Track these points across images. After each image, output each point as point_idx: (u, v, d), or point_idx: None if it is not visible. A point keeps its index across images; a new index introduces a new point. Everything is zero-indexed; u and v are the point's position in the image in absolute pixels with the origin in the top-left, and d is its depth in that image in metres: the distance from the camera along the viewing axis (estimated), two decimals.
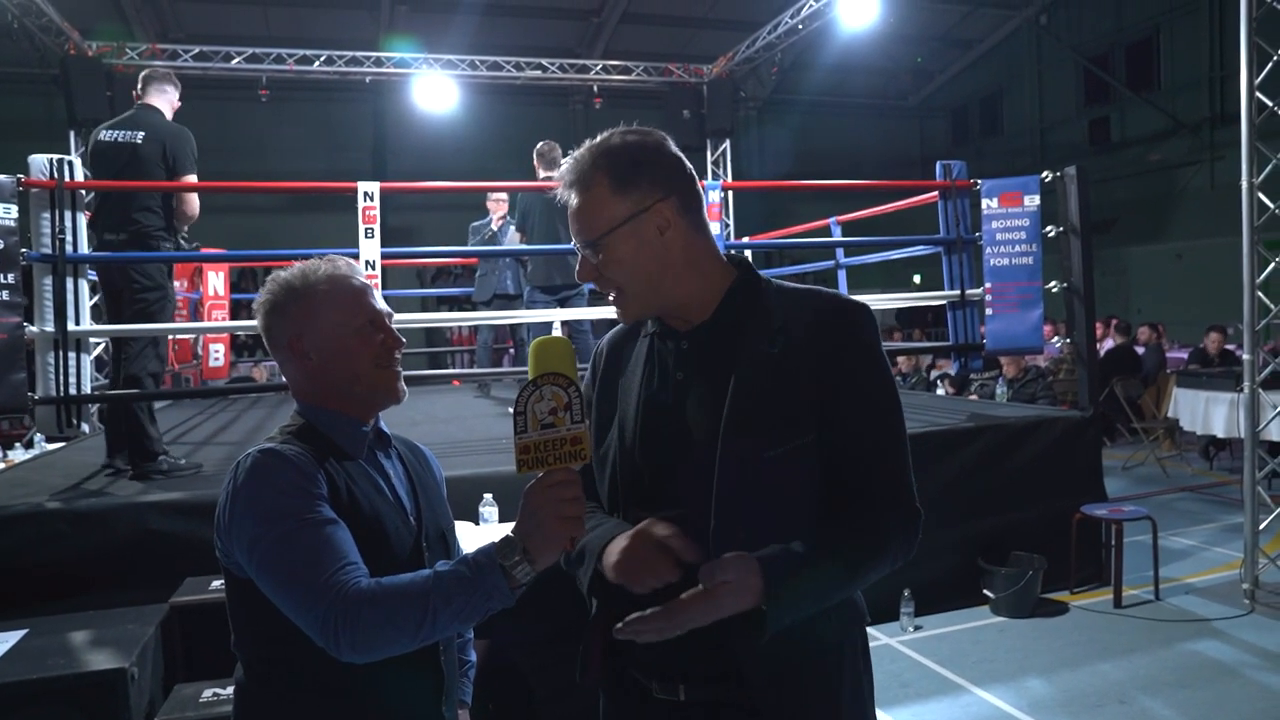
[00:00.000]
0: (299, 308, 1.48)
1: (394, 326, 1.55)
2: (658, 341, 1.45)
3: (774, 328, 1.35)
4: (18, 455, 5.89)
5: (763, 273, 1.48)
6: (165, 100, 4.43)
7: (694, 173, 1.41)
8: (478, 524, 3.62)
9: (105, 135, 4.29)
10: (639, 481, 1.40)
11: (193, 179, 4.33)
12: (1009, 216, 5.31)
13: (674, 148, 1.40)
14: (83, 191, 4.21)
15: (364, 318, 1.49)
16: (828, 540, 1.29)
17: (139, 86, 4.44)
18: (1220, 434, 7.55)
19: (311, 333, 1.47)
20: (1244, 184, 4.74)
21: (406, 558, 1.44)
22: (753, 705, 1.30)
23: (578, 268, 1.41)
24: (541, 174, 5.99)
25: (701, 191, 1.42)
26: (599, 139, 1.38)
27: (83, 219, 4.21)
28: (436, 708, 1.49)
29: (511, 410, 1.24)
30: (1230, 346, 9.55)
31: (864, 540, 1.31)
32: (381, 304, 1.53)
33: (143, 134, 4.26)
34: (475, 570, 1.25)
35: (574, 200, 1.37)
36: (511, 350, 8.36)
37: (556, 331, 5.96)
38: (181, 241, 4.46)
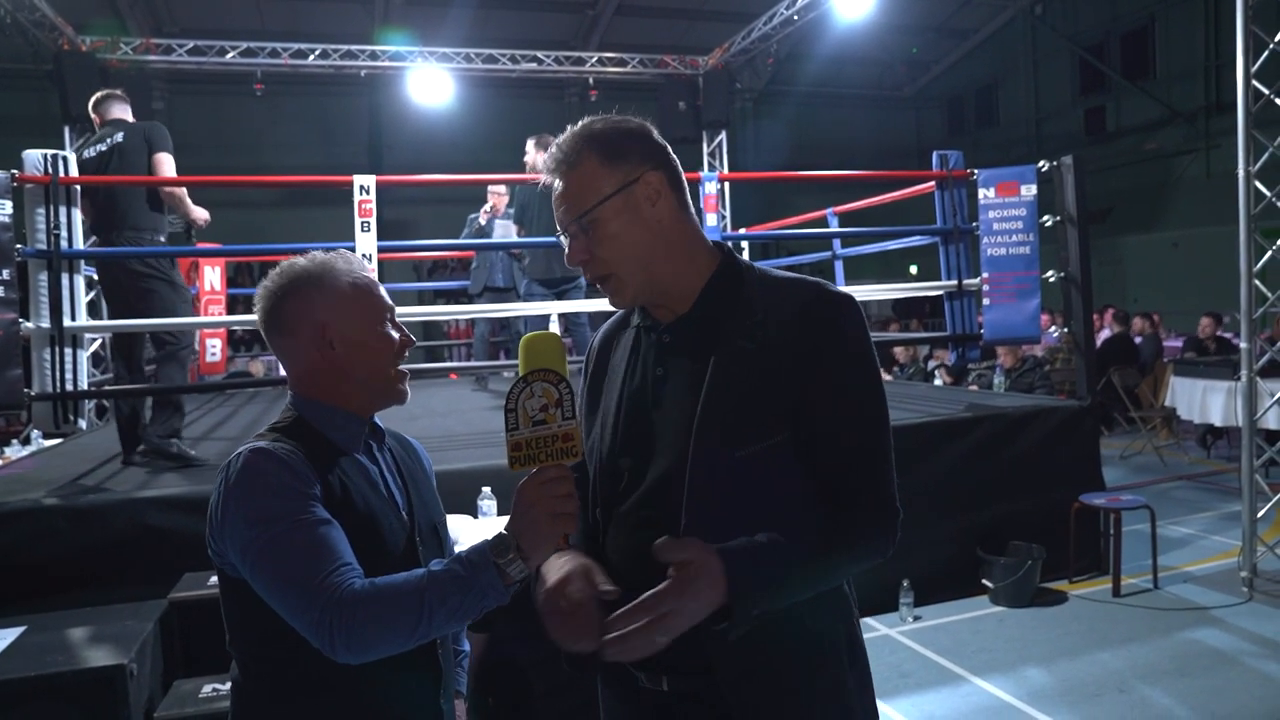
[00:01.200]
0: (323, 295, 1.46)
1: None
2: (642, 334, 1.44)
3: (753, 321, 1.33)
4: (14, 452, 5.88)
5: (757, 264, 1.46)
6: (126, 113, 4.58)
7: (677, 158, 1.41)
8: (476, 517, 3.62)
9: (87, 153, 4.44)
10: (618, 479, 1.39)
11: (168, 157, 4.39)
12: (1006, 206, 5.31)
13: (657, 133, 1.40)
14: (77, 187, 4.21)
15: (384, 314, 1.50)
16: (793, 534, 1.26)
17: (97, 110, 4.56)
18: (1218, 422, 7.55)
19: (340, 323, 1.45)
20: (1240, 172, 4.73)
21: (400, 553, 1.43)
22: (726, 699, 1.30)
23: (567, 252, 1.39)
24: (540, 164, 5.96)
25: (684, 178, 1.41)
26: (581, 125, 1.38)
27: (77, 214, 4.21)
28: (435, 700, 1.49)
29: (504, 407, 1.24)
30: (1227, 334, 9.55)
31: (832, 539, 1.29)
32: (388, 298, 1.54)
33: (122, 134, 4.40)
34: (469, 569, 1.25)
35: (560, 181, 1.36)
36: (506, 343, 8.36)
37: (554, 325, 5.96)
38: (170, 226, 4.54)
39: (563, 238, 1.39)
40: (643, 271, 1.36)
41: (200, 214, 4.55)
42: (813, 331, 1.31)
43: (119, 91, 4.69)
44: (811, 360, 1.29)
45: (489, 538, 1.28)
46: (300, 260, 1.49)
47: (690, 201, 1.41)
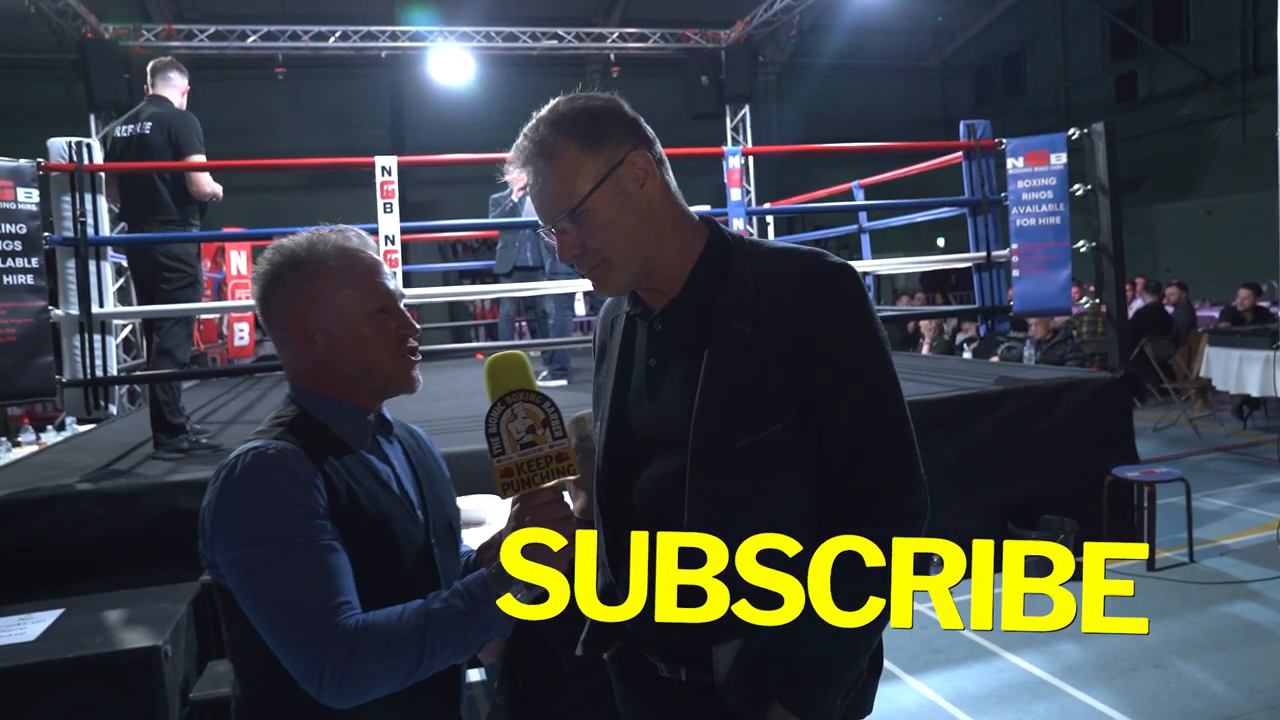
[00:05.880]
0: (305, 282, 1.31)
1: (407, 306, 1.40)
2: (633, 323, 1.40)
3: (745, 303, 1.27)
4: (50, 438, 5.97)
5: (756, 237, 1.42)
6: (172, 88, 4.45)
7: (651, 130, 1.33)
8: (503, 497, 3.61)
9: (119, 131, 4.36)
10: (618, 473, 1.37)
11: (199, 159, 4.31)
12: (1035, 176, 5.20)
13: (628, 106, 1.33)
14: (102, 175, 4.22)
15: (377, 302, 1.33)
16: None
17: (148, 79, 4.46)
18: (1254, 393, 7.43)
19: (319, 313, 1.31)
20: (1279, 136, 4.61)
21: (415, 555, 1.34)
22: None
23: (558, 249, 1.32)
24: None
25: (663, 152, 1.34)
26: (545, 110, 1.29)
27: (103, 201, 4.22)
28: (455, 715, 1.41)
29: (485, 432, 1.22)
30: (1264, 304, 9.37)
31: (860, 576, 1.25)
32: (392, 283, 1.37)
33: (150, 124, 4.31)
34: (471, 602, 1.21)
35: (539, 175, 1.28)
36: (524, 323, 8.38)
37: (580, 303, 5.94)
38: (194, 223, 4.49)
39: (548, 234, 1.32)
40: (637, 255, 1.30)
41: (217, 189, 4.46)
42: (807, 308, 1.25)
43: (169, 59, 4.52)
44: (809, 339, 1.25)
45: (487, 567, 1.24)
46: (288, 241, 1.35)
47: (673, 177, 1.35)
